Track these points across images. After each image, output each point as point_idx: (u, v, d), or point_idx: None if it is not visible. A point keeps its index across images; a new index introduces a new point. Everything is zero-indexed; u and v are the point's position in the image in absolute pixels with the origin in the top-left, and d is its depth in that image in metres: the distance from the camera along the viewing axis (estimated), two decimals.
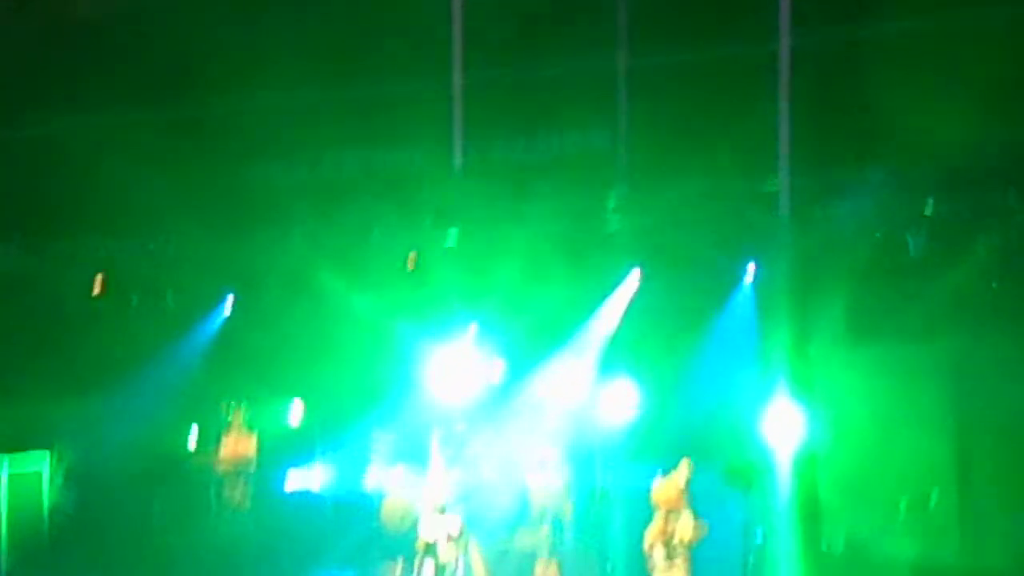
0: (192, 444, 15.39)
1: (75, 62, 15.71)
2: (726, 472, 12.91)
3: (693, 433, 13.61)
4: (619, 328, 14.80)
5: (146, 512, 15.16)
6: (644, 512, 12.79)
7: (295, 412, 15.77)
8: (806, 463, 13.45)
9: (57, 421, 15.28)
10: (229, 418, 15.38)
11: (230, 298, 15.85)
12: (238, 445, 15.31)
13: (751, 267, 14.25)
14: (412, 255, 14.67)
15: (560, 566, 13.91)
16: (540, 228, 14.21)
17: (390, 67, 15.04)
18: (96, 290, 15.17)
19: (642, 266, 14.72)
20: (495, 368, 15.24)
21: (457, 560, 13.35)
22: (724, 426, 13.55)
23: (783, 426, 13.60)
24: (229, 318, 15.86)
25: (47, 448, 15.38)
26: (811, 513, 13.31)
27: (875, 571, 12.52)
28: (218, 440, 15.40)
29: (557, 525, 14.23)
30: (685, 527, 12.39)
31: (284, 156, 15.71)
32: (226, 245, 15.24)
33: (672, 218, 13.90)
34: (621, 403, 14.62)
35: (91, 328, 15.26)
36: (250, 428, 15.41)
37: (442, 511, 13.53)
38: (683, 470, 12.67)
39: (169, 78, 15.47)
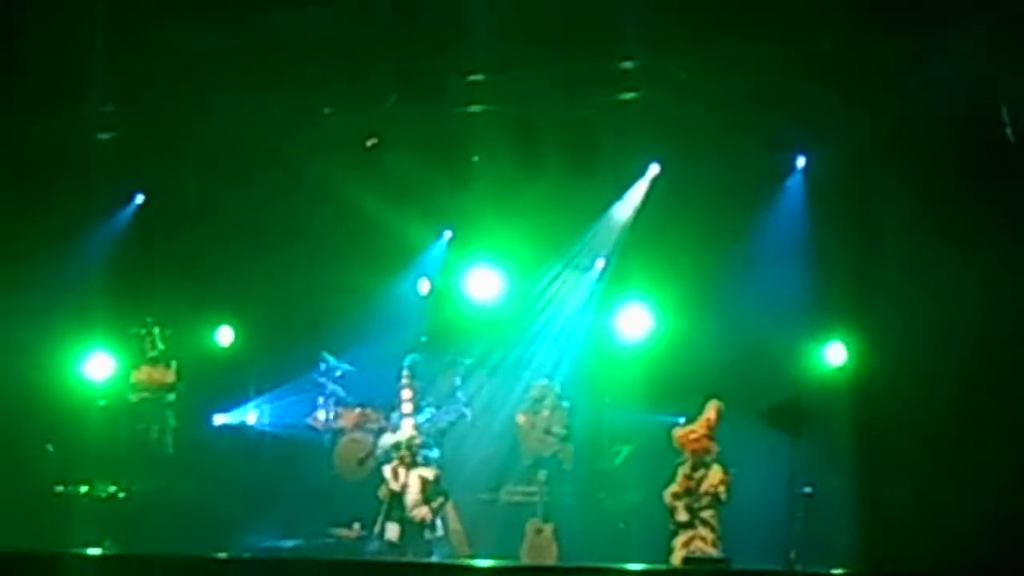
0: (96, 372, 15.42)
1: None
2: (766, 412, 12.88)
3: (725, 365, 13.81)
4: (633, 236, 14.94)
5: (37, 456, 15.20)
6: (664, 460, 12.82)
7: (226, 334, 15.88)
8: (864, 400, 13.59)
9: None
10: (143, 342, 15.47)
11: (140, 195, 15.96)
12: (154, 373, 15.39)
13: (800, 160, 14.37)
14: (371, 137, 14.72)
15: (557, 529, 14.06)
16: (531, 105, 14.27)
17: None
18: None
19: (661, 159, 14.81)
20: (480, 283, 15.32)
21: (430, 516, 13.39)
22: (763, 357, 13.71)
23: (836, 356, 13.82)
24: (140, 218, 15.94)
25: None
26: (870, 459, 13.48)
27: (945, 525, 12.54)
28: (129, 368, 15.46)
29: (554, 475, 14.44)
30: (713, 477, 12.43)
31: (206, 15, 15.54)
32: (135, 120, 15.13)
33: (699, 94, 13.80)
34: (635, 328, 14.76)
35: None
36: (169, 354, 15.48)
37: (412, 456, 13.52)
38: (711, 411, 12.65)
39: None
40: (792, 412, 12.90)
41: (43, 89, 14.60)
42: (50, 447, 15.15)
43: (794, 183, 14.41)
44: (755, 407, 12.89)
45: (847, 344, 13.76)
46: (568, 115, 14.20)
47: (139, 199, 15.99)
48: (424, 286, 15.71)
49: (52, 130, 15.25)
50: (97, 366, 15.40)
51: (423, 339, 14.83)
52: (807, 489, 13.00)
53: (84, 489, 14.75)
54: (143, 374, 15.38)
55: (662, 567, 11.61)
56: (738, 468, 12.50)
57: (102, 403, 15.28)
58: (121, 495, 14.75)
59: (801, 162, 14.39)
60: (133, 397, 15.35)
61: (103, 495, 14.77)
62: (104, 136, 15.32)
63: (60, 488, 14.82)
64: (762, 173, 14.26)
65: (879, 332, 13.48)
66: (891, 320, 13.34)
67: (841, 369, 13.80)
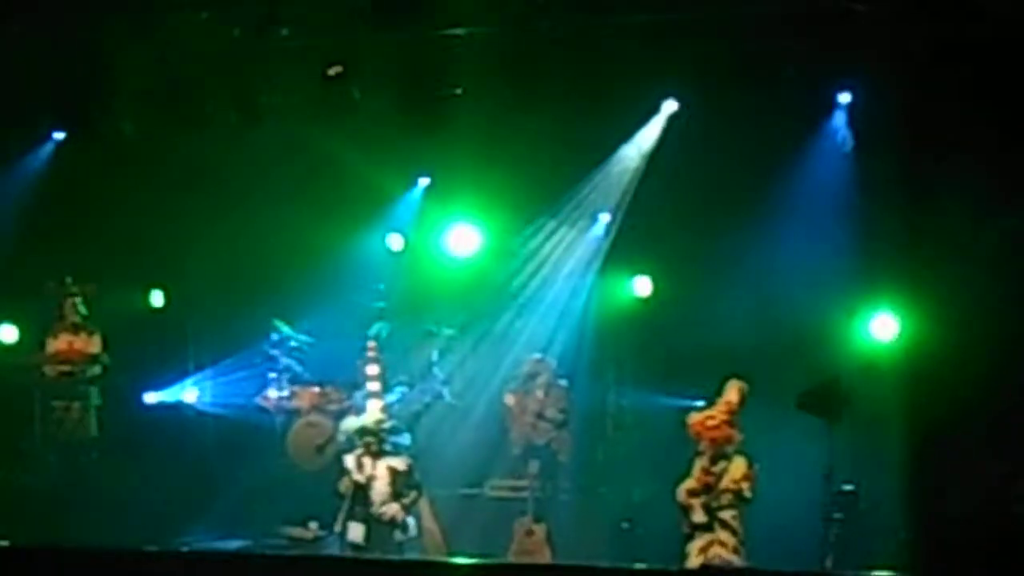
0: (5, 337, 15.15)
1: None
2: (800, 397, 12.46)
3: (750, 339, 13.60)
4: (644, 186, 14.58)
5: None
6: (678, 450, 12.55)
7: (160, 298, 15.59)
8: (917, 382, 13.19)
9: None
10: (61, 306, 15.09)
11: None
12: (75, 342, 15.02)
13: (843, 96, 13.95)
14: (335, 65, 14.19)
15: (550, 531, 13.79)
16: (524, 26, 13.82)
17: None
18: None
19: (677, 93, 14.32)
20: (462, 239, 15.10)
21: (400, 514, 12.97)
22: (796, 330, 13.53)
23: (884, 330, 13.50)
24: (59, 158, 15.46)
25: None
26: (922, 452, 13.09)
27: (1010, 529, 12.26)
28: (44, 335, 15.13)
29: (548, 467, 14.19)
30: (736, 471, 12.05)
31: None
32: (56, 41, 14.50)
33: (723, 14, 13.35)
34: (644, 295, 14.54)
35: None
36: (93, 321, 15.11)
37: (380, 443, 13.07)
38: (733, 393, 12.32)
39: None
40: (830, 395, 12.60)
41: None
42: None
43: (836, 124, 14.04)
44: (786, 389, 12.66)
45: (898, 316, 13.40)
46: (568, 38, 13.73)
47: (58, 136, 15.47)
48: (395, 242, 15.40)
49: None
50: (7, 334, 15.10)
51: (380, 287, 14.71)
52: (847, 486, 12.87)
53: None
54: (62, 343, 15.06)
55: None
56: (765, 461, 12.15)
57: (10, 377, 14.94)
58: (36, 486, 14.42)
59: (845, 99, 13.99)
60: (49, 371, 15.02)
61: (14, 484, 14.44)
62: (17, 58, 14.64)
63: None
64: (797, 111, 13.82)
65: (936, 302, 13.07)
66: (951, 288, 12.93)
67: (890, 345, 13.46)
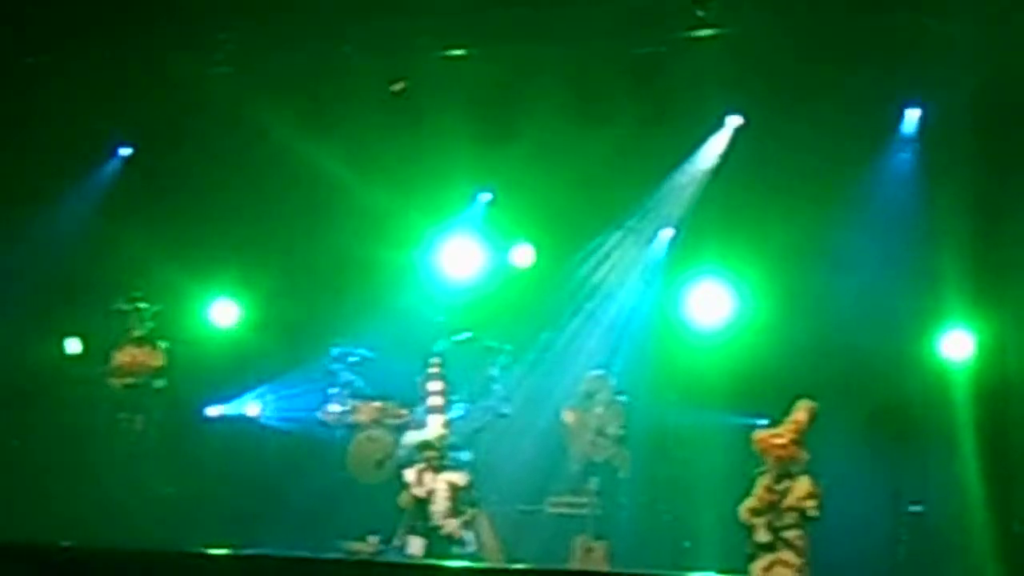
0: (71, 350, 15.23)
1: None
2: (869, 415, 12.68)
3: (817, 357, 13.44)
4: (708, 201, 14.48)
5: (5, 448, 14.92)
6: (740, 468, 12.36)
7: (224, 312, 15.51)
8: (991, 401, 13.07)
9: None
10: (128, 319, 15.04)
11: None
12: (139, 355, 14.98)
13: (912, 112, 13.87)
14: (398, 81, 14.34)
15: (610, 548, 13.67)
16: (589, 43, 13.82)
17: None
18: None
19: (743, 108, 14.24)
20: (523, 256, 15.05)
21: (459, 528, 12.94)
22: (865, 348, 13.39)
23: (957, 349, 13.35)
24: (125, 174, 15.60)
25: None
26: (995, 473, 12.95)
27: None
28: (110, 348, 15.04)
29: (608, 484, 14.09)
30: (801, 490, 11.84)
31: None
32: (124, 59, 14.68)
33: (789, 30, 13.32)
34: (708, 311, 14.39)
35: None
36: (157, 334, 15.07)
37: (440, 458, 13.07)
38: (801, 411, 12.09)
39: None
40: (898, 415, 12.72)
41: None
42: (16, 442, 14.90)
43: (904, 139, 13.94)
44: (853, 409, 12.69)
45: (974, 334, 13.23)
46: (633, 54, 13.76)
47: (125, 152, 15.63)
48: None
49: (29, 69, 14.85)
50: (73, 346, 15.17)
51: (440, 319, 14.57)
52: (915, 507, 12.85)
53: (56, 487, 14.38)
54: (126, 356, 14.98)
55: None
56: (829, 479, 11.90)
57: (78, 389, 14.95)
58: (95, 496, 14.29)
59: (914, 115, 13.88)
60: (113, 383, 14.96)
61: (76, 497, 14.28)
62: (89, 77, 14.85)
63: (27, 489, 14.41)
64: (865, 127, 13.76)
65: (1013, 321, 13.02)
66: None
67: (962, 365, 13.26)
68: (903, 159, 13.95)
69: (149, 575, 8.82)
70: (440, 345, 13.91)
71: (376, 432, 14.90)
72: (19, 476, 14.53)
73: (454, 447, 13.36)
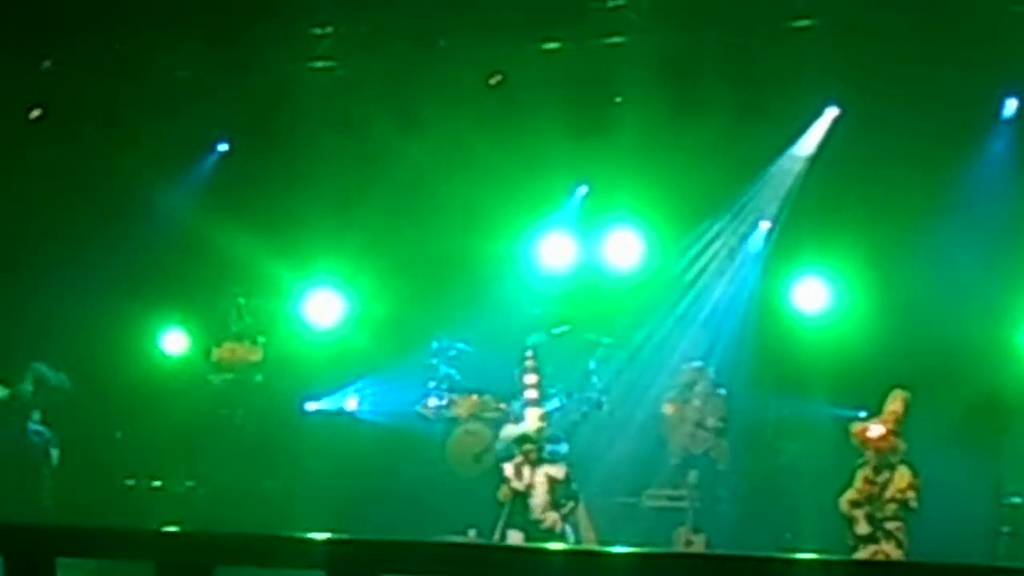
0: (172, 349, 15.21)
1: None
2: (966, 406, 12.44)
3: (915, 349, 13.24)
4: (806, 193, 14.32)
5: (107, 444, 15.05)
6: (839, 460, 12.30)
7: (324, 308, 15.36)
8: None
9: None
10: (228, 315, 15.19)
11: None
12: (239, 350, 15.07)
13: (1010, 103, 13.70)
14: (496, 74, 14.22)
15: (710, 541, 13.58)
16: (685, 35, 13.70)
17: None
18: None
19: (840, 99, 14.05)
20: (620, 247, 14.85)
21: (559, 521, 12.80)
22: (963, 339, 13.10)
23: None
24: (224, 170, 15.60)
25: None
26: None
27: None
28: (211, 345, 15.16)
29: (707, 477, 13.98)
30: (901, 481, 11.76)
31: None
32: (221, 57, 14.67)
33: (887, 20, 13.09)
34: (807, 303, 14.22)
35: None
36: (255, 328, 15.17)
37: (539, 451, 12.93)
38: (897, 403, 12.00)
39: None
40: (996, 406, 12.48)
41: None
42: (119, 434, 15.03)
43: (1003, 131, 13.72)
44: (950, 401, 12.49)
45: None
46: (730, 45, 13.61)
47: (222, 147, 15.63)
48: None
49: (125, 68, 14.89)
50: (173, 342, 15.19)
51: (537, 311, 14.53)
52: (1016, 499, 12.64)
53: (157, 483, 14.61)
54: (226, 351, 15.13)
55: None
56: (927, 471, 11.84)
57: (179, 384, 15.06)
58: (200, 490, 14.54)
59: (1012, 106, 13.68)
60: (214, 379, 15.09)
61: (179, 490, 14.58)
62: (188, 72, 14.95)
63: (131, 482, 14.69)
64: (963, 118, 13.52)
65: None
66: None
67: None
68: (1001, 149, 13.71)
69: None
70: (535, 338, 13.82)
71: (474, 426, 14.87)
72: (122, 468, 14.78)
73: (553, 440, 13.24)
